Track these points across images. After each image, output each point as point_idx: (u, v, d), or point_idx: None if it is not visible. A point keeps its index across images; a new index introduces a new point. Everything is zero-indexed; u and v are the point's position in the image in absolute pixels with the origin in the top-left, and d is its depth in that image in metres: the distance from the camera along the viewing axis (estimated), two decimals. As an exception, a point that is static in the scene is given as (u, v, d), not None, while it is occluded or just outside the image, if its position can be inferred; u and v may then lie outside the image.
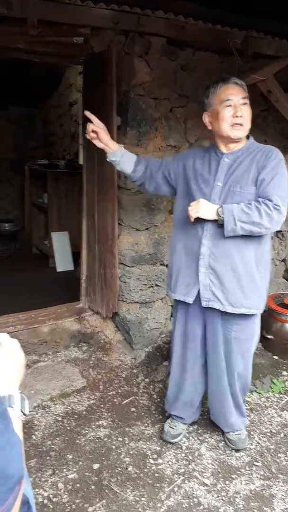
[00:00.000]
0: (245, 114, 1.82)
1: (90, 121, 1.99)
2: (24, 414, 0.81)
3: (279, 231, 3.55)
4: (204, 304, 1.93)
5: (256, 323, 2.04)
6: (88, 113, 1.99)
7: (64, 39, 2.58)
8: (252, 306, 1.92)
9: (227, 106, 1.80)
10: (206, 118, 1.92)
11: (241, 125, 1.82)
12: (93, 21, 2.38)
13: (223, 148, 1.91)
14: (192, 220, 1.83)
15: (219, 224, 1.80)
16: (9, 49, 2.55)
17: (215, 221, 1.82)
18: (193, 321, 2.03)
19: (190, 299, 1.96)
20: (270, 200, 1.75)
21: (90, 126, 1.98)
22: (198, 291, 1.93)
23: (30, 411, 0.99)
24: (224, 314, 1.94)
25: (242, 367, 2.05)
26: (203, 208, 1.80)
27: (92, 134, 2.00)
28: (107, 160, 2.09)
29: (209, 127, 1.93)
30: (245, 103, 1.83)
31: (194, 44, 2.67)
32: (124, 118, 2.65)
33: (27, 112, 6.19)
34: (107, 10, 2.32)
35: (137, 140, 2.66)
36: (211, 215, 1.80)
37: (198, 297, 1.94)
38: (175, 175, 2.04)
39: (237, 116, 1.80)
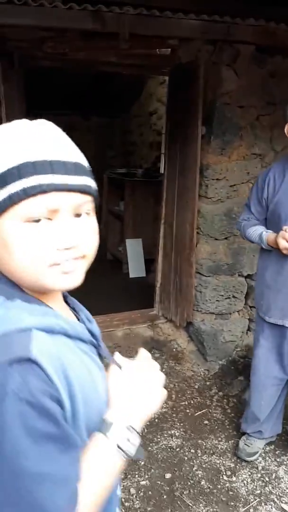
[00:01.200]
0: None
1: None
2: (128, 456, 0.63)
3: None
4: None
5: None
6: None
7: (153, 51, 2.63)
8: None
9: None
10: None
11: None
12: (182, 32, 2.41)
13: None
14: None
15: None
16: (101, 62, 2.66)
17: None
18: (284, 340, 1.95)
19: (287, 323, 1.90)
20: None
21: None
22: None
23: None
24: None
25: None
26: None
27: None
28: None
29: None
30: None
31: (285, 50, 2.59)
32: (208, 127, 2.64)
33: (107, 122, 6.42)
34: (197, 21, 2.33)
35: (221, 149, 2.63)
36: None
37: None
38: (264, 202, 1.92)
39: None
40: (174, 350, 3.11)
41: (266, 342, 2.01)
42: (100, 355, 0.73)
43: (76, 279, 0.64)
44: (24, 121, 0.62)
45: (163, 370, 2.87)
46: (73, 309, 0.75)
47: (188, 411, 2.51)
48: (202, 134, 2.64)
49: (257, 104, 2.65)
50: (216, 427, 2.38)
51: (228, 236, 2.86)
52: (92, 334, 0.72)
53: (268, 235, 1.82)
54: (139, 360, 0.72)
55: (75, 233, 0.60)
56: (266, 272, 1.95)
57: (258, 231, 1.88)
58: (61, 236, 0.59)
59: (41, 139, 0.60)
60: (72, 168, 0.60)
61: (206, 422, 2.42)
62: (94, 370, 0.67)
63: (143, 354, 0.74)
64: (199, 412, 2.49)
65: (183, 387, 2.73)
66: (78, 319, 0.74)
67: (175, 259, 3.08)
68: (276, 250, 1.82)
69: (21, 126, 0.61)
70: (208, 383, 2.78)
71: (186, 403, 2.58)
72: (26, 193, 0.56)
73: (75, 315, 0.75)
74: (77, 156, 0.63)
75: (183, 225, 2.93)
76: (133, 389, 0.67)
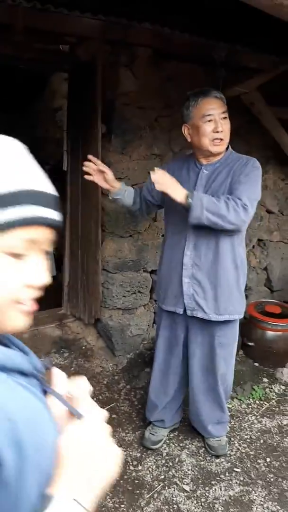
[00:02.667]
0: (225, 128, 1.85)
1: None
2: None
3: (261, 240, 3.62)
4: (189, 313, 1.97)
5: (237, 327, 2.09)
6: (92, 158, 2.00)
7: (51, 47, 2.59)
8: (234, 312, 1.98)
9: (208, 121, 1.82)
10: (185, 131, 1.93)
11: (221, 140, 1.84)
12: (79, 30, 2.41)
13: (202, 160, 1.95)
14: (157, 188, 1.81)
15: (185, 209, 1.77)
16: (-5, 54, 2.55)
17: (196, 231, 1.86)
18: (178, 328, 2.07)
19: (180, 310, 2.00)
20: (240, 199, 1.78)
21: (98, 165, 1.96)
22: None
23: None
24: (207, 321, 1.97)
25: (224, 371, 2.09)
26: (171, 185, 1.78)
27: (97, 176, 1.98)
28: (110, 198, 2.10)
29: (188, 139, 1.94)
30: (225, 117, 1.85)
31: (179, 55, 2.72)
32: (109, 126, 2.67)
33: (9, 118, 6.16)
34: (94, 20, 2.35)
35: (122, 148, 2.69)
36: (179, 197, 1.75)
37: (184, 306, 1.98)
38: (158, 194, 2.02)
39: (217, 131, 1.82)
40: (83, 348, 3.11)
41: (164, 331, 2.12)
42: (44, 391, 0.61)
43: (29, 322, 0.57)
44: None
45: (72, 369, 2.87)
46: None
47: (96, 407, 2.53)
48: (103, 133, 2.67)
49: (155, 106, 2.75)
50: (123, 419, 2.45)
51: (133, 233, 2.93)
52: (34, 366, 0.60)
53: None
54: (85, 402, 0.60)
55: (46, 272, 0.56)
56: (162, 263, 2.08)
57: None
58: (35, 273, 0.54)
59: (26, 165, 0.56)
60: (54, 202, 0.57)
61: (114, 416, 2.47)
62: (40, 409, 0.56)
63: (82, 386, 0.63)
64: (107, 407, 2.54)
65: (92, 383, 2.71)
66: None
67: (82, 256, 3.08)
68: (169, 238, 2.00)
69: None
70: (116, 377, 2.84)
71: (95, 399, 2.58)
72: (25, 222, 0.52)
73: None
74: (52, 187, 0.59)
75: (88, 223, 2.94)
76: (87, 450, 0.54)
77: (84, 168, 1.99)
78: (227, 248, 1.90)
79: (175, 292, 1.99)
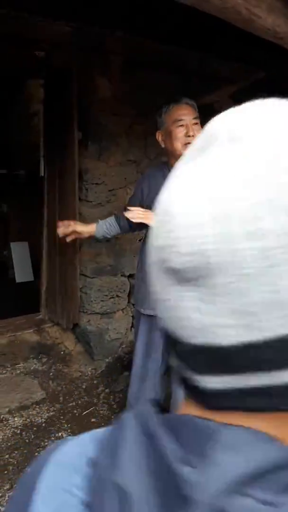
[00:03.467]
0: (197, 133, 1.91)
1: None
2: None
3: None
4: None
5: None
6: (61, 223, 2.11)
7: (26, 53, 2.61)
8: None
9: (180, 126, 1.88)
10: (159, 137, 1.99)
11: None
12: (53, 37, 2.44)
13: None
14: (133, 220, 1.89)
15: None
16: None
17: None
18: (156, 331, 2.09)
19: None
20: None
21: (70, 228, 2.07)
22: None
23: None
24: None
25: None
26: (148, 217, 1.85)
27: (70, 236, 2.10)
28: (95, 239, 2.20)
29: (162, 145, 2.00)
30: (196, 123, 1.92)
31: (152, 63, 2.77)
32: (85, 132, 2.70)
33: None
34: (68, 27, 2.38)
35: (98, 155, 2.72)
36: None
37: None
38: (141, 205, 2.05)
39: (189, 136, 1.88)
40: (62, 353, 3.11)
41: (142, 336, 2.14)
42: None
43: None
44: None
45: (51, 374, 2.87)
46: None
47: (75, 411, 2.55)
48: (79, 139, 2.69)
49: (130, 112, 2.80)
50: (103, 423, 2.46)
51: (110, 238, 2.96)
52: None
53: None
54: None
55: None
56: (142, 266, 2.09)
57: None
58: None
59: None
60: None
61: (93, 420, 2.49)
62: None
63: None
64: (87, 411, 2.55)
65: (70, 388, 2.76)
66: None
67: (60, 262, 3.08)
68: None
69: None
70: (95, 381, 2.85)
71: (74, 404, 2.62)
72: None
73: None
74: None
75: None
76: None
77: (61, 235, 2.10)
78: None
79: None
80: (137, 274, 2.20)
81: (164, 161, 2.19)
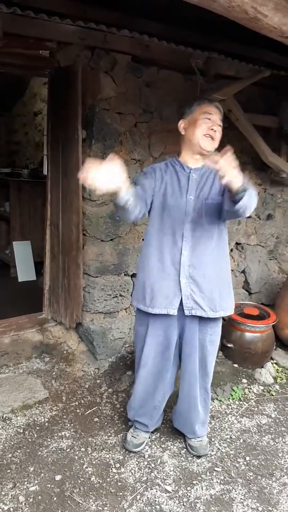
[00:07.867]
0: (218, 133, 1.97)
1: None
2: None
3: (239, 244, 3.69)
4: (187, 313, 2.00)
5: (221, 325, 2.18)
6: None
7: (31, 52, 2.60)
8: (227, 307, 2.08)
9: (207, 118, 1.93)
10: (181, 125, 2.01)
11: (212, 138, 1.95)
12: (59, 36, 2.43)
13: (189, 162, 2.00)
14: (223, 181, 1.60)
15: (238, 195, 1.66)
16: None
17: (192, 231, 1.95)
18: (171, 329, 2.08)
19: (173, 311, 2.00)
20: None
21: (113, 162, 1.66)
22: (179, 301, 2.00)
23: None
24: (201, 319, 2.03)
25: (211, 369, 2.17)
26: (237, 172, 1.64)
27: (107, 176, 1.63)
28: (118, 202, 1.76)
29: (182, 132, 2.02)
30: (220, 125, 1.98)
31: (158, 62, 2.76)
32: (89, 131, 2.69)
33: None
34: (74, 26, 2.37)
35: (102, 153, 2.71)
36: (239, 182, 1.64)
37: (179, 306, 2.01)
38: (151, 191, 2.00)
39: (212, 129, 1.93)
40: (65, 352, 3.11)
41: (151, 338, 2.11)
42: None
43: None
44: None
45: (54, 373, 2.86)
46: None
47: (78, 411, 2.54)
48: (83, 138, 2.69)
49: (134, 111, 2.79)
50: (106, 423, 2.46)
51: (114, 237, 2.95)
52: None
53: None
54: None
55: None
56: (149, 263, 2.03)
57: None
58: None
59: None
60: None
61: (96, 419, 2.48)
62: None
63: None
64: (90, 411, 2.54)
65: (73, 388, 2.75)
66: None
67: (63, 261, 3.08)
68: (157, 240, 1.99)
69: None
70: (98, 381, 2.85)
71: (77, 403, 2.61)
72: None
73: None
74: None
75: (69, 227, 2.94)
76: None
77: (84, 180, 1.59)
78: (221, 246, 2.02)
79: (166, 293, 1.99)
80: (140, 272, 2.12)
81: (170, 159, 2.15)
